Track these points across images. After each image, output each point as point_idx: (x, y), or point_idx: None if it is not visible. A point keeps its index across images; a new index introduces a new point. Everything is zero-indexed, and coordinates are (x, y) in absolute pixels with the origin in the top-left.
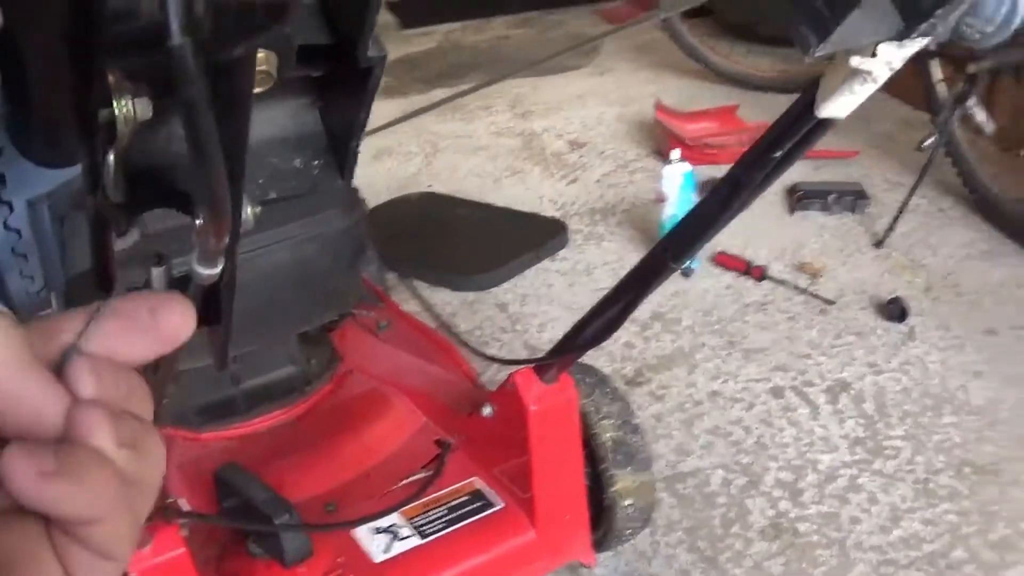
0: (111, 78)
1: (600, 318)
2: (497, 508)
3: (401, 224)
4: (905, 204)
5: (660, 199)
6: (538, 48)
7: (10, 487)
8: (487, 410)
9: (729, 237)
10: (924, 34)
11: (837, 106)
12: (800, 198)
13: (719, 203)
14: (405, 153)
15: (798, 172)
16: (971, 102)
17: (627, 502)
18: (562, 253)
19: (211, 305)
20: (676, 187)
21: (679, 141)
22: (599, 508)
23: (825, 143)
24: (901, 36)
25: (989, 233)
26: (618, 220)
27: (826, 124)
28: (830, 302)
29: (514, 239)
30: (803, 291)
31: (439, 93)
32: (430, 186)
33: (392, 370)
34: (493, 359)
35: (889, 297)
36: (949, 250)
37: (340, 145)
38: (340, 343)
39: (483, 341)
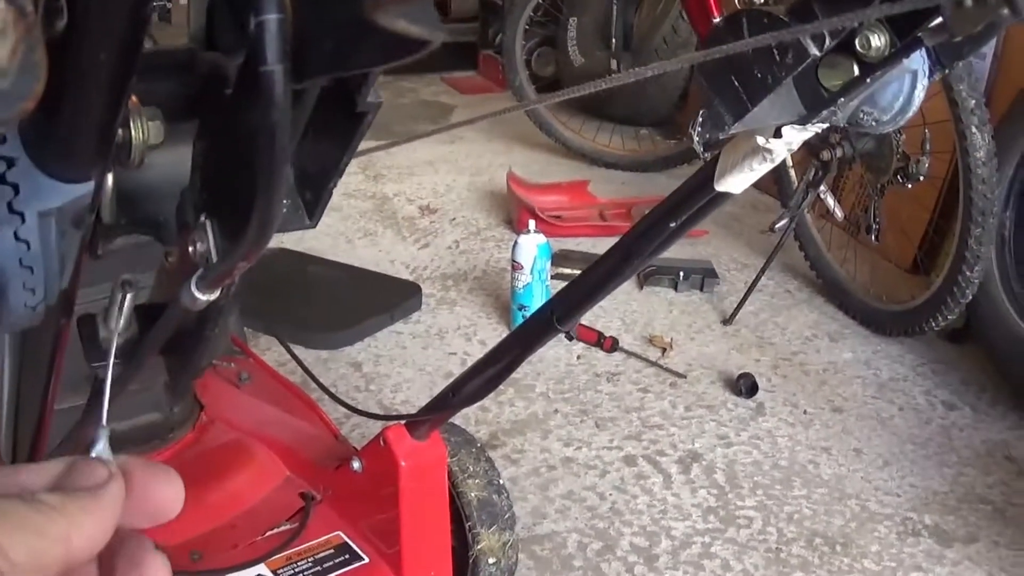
0: (132, 100)
1: (479, 376)
2: (363, 562)
3: (256, 279)
4: (755, 283)
5: (515, 268)
6: (390, 113)
7: None
8: (356, 464)
9: None
10: (823, 120)
11: (735, 181)
12: (649, 274)
13: (609, 268)
14: None
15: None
16: (822, 188)
17: (491, 560)
18: (415, 316)
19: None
20: (531, 257)
21: (530, 212)
22: (463, 566)
23: None
24: (803, 120)
25: (833, 315)
26: (470, 286)
27: (722, 197)
28: (680, 375)
29: (368, 299)
30: (653, 364)
31: None
32: (282, 243)
33: (254, 422)
34: (366, 413)
35: (739, 373)
36: (796, 329)
37: (313, 186)
38: (202, 393)
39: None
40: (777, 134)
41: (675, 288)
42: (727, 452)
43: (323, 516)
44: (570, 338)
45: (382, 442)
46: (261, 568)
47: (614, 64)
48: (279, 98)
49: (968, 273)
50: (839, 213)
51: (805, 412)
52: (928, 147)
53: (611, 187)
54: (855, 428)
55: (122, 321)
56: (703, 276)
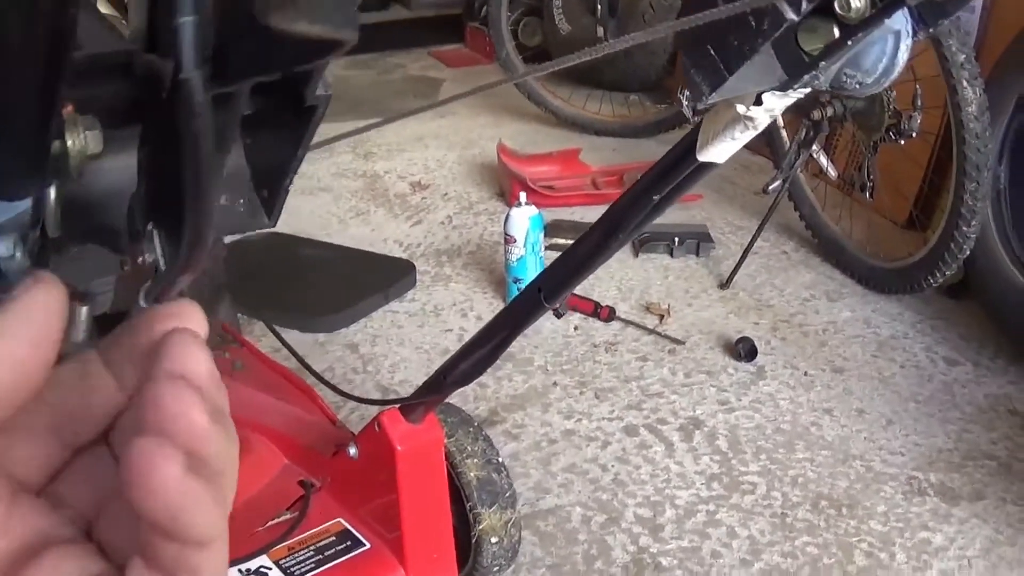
0: (65, 111)
1: (471, 357)
2: (365, 548)
3: (247, 265)
4: (750, 246)
5: (508, 241)
6: (378, 90)
7: (139, 491)
8: (352, 451)
9: None
10: (806, 85)
11: (717, 151)
12: (644, 241)
13: (595, 244)
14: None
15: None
16: (814, 147)
17: (493, 540)
18: (410, 294)
19: None
20: (524, 230)
21: (522, 184)
22: (466, 546)
23: None
24: (784, 87)
25: (831, 274)
26: (464, 262)
27: (706, 168)
28: (679, 342)
29: (362, 280)
30: (651, 331)
31: None
32: (274, 227)
33: (250, 411)
34: (359, 399)
35: (737, 337)
36: (794, 290)
37: (271, 184)
38: None
39: (335, 381)
40: (758, 101)
41: (671, 254)
42: (729, 418)
43: (323, 503)
44: (558, 315)
45: (377, 427)
46: (263, 559)
47: (601, 31)
48: (198, 106)
49: (964, 228)
50: (832, 172)
51: (806, 374)
52: (920, 103)
53: (602, 154)
54: (857, 388)
55: (82, 334)
56: (698, 241)
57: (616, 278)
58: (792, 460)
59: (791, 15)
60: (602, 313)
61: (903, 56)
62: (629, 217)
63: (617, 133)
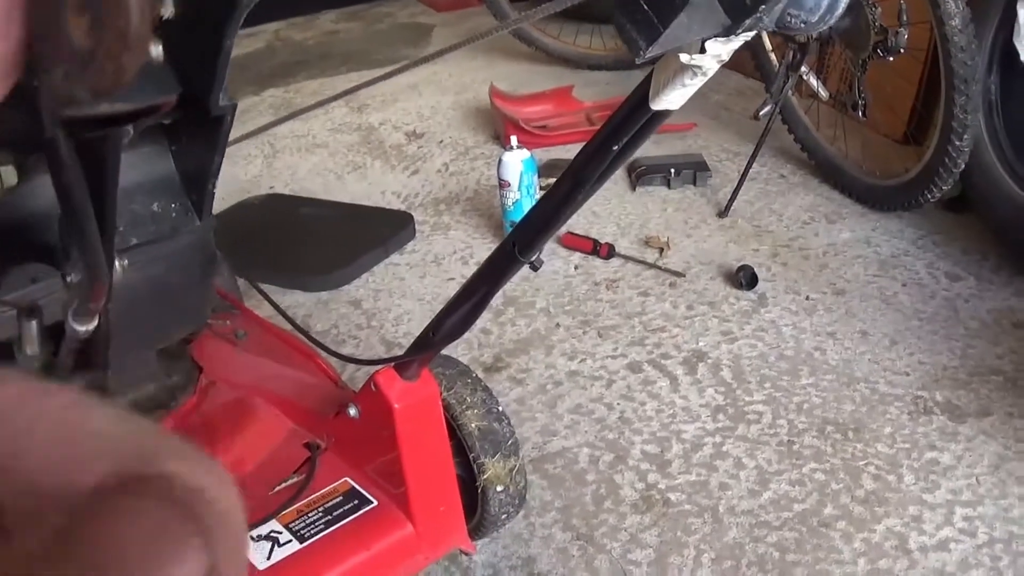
0: None
1: (455, 313)
2: (372, 506)
3: (247, 228)
4: (746, 173)
5: (502, 186)
6: (368, 41)
7: None
8: (353, 411)
9: (574, 217)
10: (749, 28)
11: (670, 99)
12: (641, 174)
13: (562, 196)
14: (244, 156)
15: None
16: (804, 69)
17: (499, 488)
18: (410, 245)
19: (88, 352)
20: (517, 173)
21: (515, 125)
22: (473, 496)
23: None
24: (728, 32)
25: (829, 195)
26: (462, 208)
27: (662, 115)
28: (679, 274)
29: (362, 235)
30: (652, 266)
31: (272, 93)
32: (272, 188)
33: (254, 378)
34: (352, 360)
35: (738, 265)
36: (793, 214)
37: (196, 188)
38: (199, 355)
39: (340, 340)
40: (703, 49)
41: (668, 185)
42: (732, 348)
43: (329, 464)
44: (534, 268)
45: (373, 387)
46: (273, 524)
47: None
48: (63, 161)
49: (957, 142)
50: (824, 93)
51: (807, 298)
52: (905, 18)
53: (596, 89)
54: (859, 309)
55: (36, 346)
56: (695, 170)
57: (615, 214)
58: (796, 387)
59: None
60: (601, 251)
61: None
62: (591, 168)
63: (610, 66)
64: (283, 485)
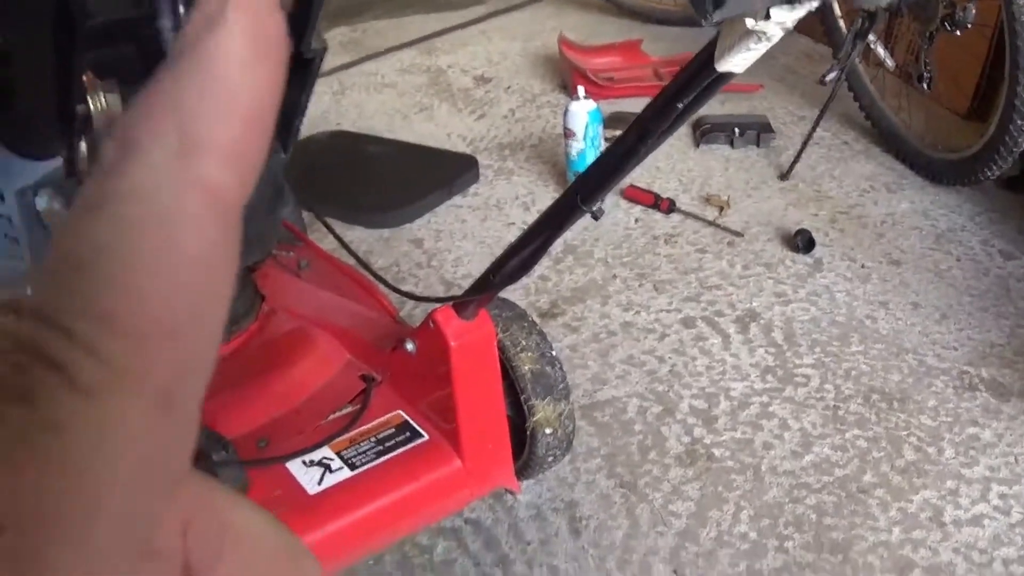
0: (85, 77)
1: (516, 257)
2: (423, 440)
3: (313, 164)
4: (809, 137)
5: (567, 135)
6: None
7: None
8: (410, 346)
9: (637, 171)
10: None
11: (735, 62)
12: (705, 132)
13: (627, 149)
14: (314, 95)
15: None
16: (871, 38)
17: (547, 431)
18: (473, 188)
19: None
20: (583, 124)
21: (583, 75)
22: (522, 437)
23: None
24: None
25: (891, 165)
26: (527, 155)
27: (726, 77)
28: (738, 234)
29: (426, 175)
30: (711, 223)
31: (341, 31)
32: (339, 124)
33: (315, 309)
34: (413, 296)
35: (796, 229)
36: (854, 181)
37: (284, 124)
38: (263, 283)
39: (400, 277)
40: (768, 16)
41: (731, 145)
42: (785, 310)
43: (383, 396)
44: (596, 217)
45: (431, 324)
46: (326, 451)
47: None
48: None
49: (1020, 121)
50: (890, 63)
51: (863, 266)
52: None
53: (664, 44)
54: (912, 281)
55: None
56: (758, 131)
57: (677, 170)
58: (846, 353)
59: None
60: (662, 205)
61: None
62: (656, 124)
63: (679, 22)
64: (338, 414)
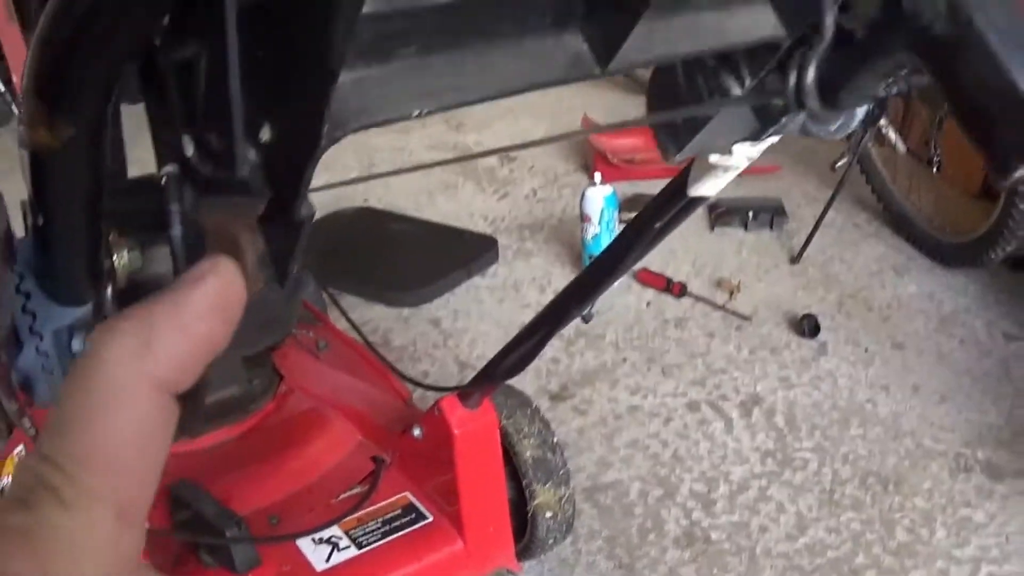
0: (111, 236)
1: (516, 352)
2: (427, 521)
3: (338, 239)
4: (819, 221)
5: (583, 219)
6: None
7: None
8: (417, 431)
9: (652, 254)
10: (775, 133)
11: (706, 187)
12: (720, 215)
13: (613, 260)
14: (343, 166)
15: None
16: (883, 122)
17: (548, 514)
18: (492, 268)
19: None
20: (598, 209)
21: (603, 157)
22: (524, 519)
23: None
24: (754, 137)
25: (900, 248)
26: (545, 236)
27: (699, 200)
28: (746, 318)
29: (447, 255)
30: (720, 307)
31: None
32: (366, 200)
33: (330, 390)
34: (421, 384)
35: (803, 313)
36: (863, 264)
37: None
38: (281, 363)
39: (417, 356)
40: (731, 152)
41: (745, 228)
42: (788, 394)
43: (392, 477)
44: (585, 321)
45: (437, 411)
46: (335, 529)
47: None
48: (179, 259)
49: (1021, 205)
50: (902, 147)
51: (866, 350)
52: None
53: None
54: (915, 364)
55: None
56: (772, 214)
57: (691, 253)
58: (845, 437)
59: (736, 91)
60: (674, 289)
61: (860, 110)
62: (638, 240)
63: None
64: (348, 494)
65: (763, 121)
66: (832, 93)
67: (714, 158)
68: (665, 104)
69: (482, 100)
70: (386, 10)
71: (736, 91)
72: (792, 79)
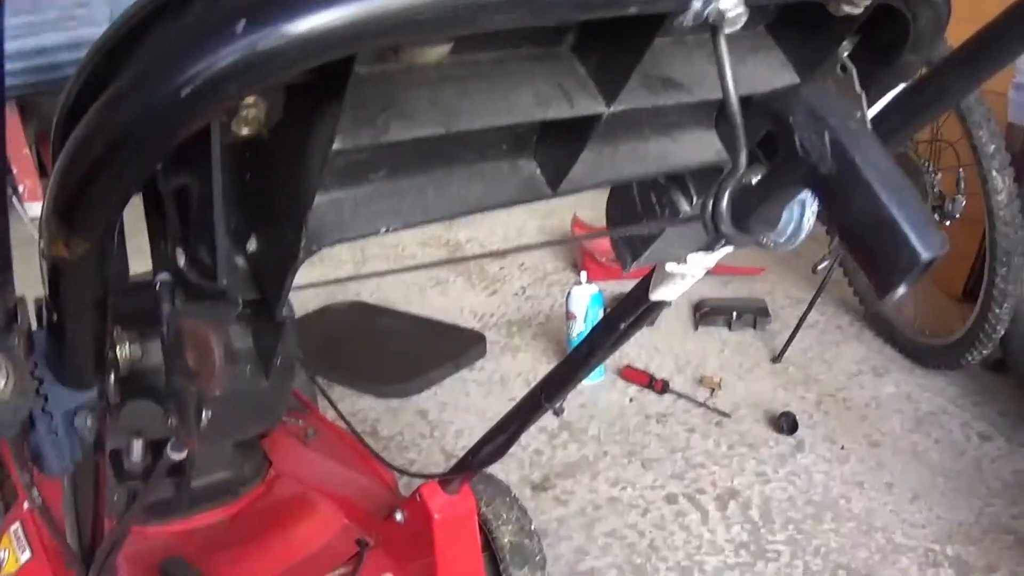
0: (114, 332)
1: (493, 441)
2: None
3: (330, 332)
4: (801, 322)
5: (569, 317)
6: None
7: None
8: (399, 516)
9: (637, 350)
10: (727, 244)
11: (667, 292)
12: (705, 314)
13: (582, 357)
14: (336, 260)
15: (706, 287)
16: None
17: None
18: (480, 363)
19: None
20: (584, 307)
21: (592, 257)
22: None
23: (733, 259)
24: (708, 247)
25: (880, 349)
26: (533, 333)
27: (661, 304)
28: (726, 415)
29: (436, 349)
30: (701, 404)
31: None
32: (358, 294)
33: (317, 475)
34: (403, 471)
35: (781, 411)
36: (843, 365)
37: (265, 358)
38: (271, 449)
39: (404, 445)
40: (685, 261)
41: (729, 327)
42: (764, 489)
43: (375, 560)
44: (556, 414)
45: (418, 497)
46: None
47: None
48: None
49: (996, 310)
50: None
51: (843, 447)
52: (963, 187)
53: None
54: (890, 462)
55: (139, 456)
56: (755, 315)
57: (675, 351)
58: (818, 530)
59: (685, 207)
60: (656, 385)
61: (808, 221)
62: (605, 340)
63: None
64: (333, 575)
65: (716, 233)
66: (743, 219)
67: (671, 266)
68: (621, 218)
69: (444, 219)
70: (351, 147)
71: (685, 208)
72: (709, 206)
